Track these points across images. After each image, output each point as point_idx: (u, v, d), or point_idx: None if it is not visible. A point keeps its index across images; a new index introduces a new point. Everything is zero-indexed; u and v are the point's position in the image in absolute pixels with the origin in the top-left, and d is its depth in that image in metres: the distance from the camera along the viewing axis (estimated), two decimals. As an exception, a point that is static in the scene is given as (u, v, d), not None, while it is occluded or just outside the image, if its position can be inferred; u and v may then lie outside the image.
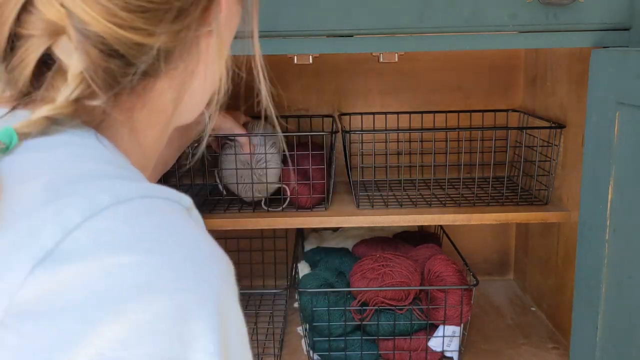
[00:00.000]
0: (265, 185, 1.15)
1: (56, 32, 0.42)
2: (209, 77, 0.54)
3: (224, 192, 1.21)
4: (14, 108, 0.44)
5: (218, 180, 1.21)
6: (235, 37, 0.58)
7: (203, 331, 0.35)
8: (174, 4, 0.45)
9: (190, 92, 0.53)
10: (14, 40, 0.42)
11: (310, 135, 1.18)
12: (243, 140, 1.12)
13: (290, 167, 1.15)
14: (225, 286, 0.39)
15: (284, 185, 1.16)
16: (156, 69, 0.46)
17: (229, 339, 0.37)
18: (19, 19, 0.41)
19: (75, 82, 0.42)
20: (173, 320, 0.34)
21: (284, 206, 1.16)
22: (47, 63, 0.43)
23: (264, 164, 1.13)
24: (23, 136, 0.41)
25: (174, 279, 0.35)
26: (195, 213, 0.44)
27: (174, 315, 0.34)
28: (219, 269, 0.40)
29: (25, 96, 0.44)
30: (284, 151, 1.18)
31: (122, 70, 0.44)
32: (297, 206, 1.16)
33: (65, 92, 0.42)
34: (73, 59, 0.42)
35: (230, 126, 1.10)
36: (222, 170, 1.18)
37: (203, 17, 0.49)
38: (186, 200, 0.44)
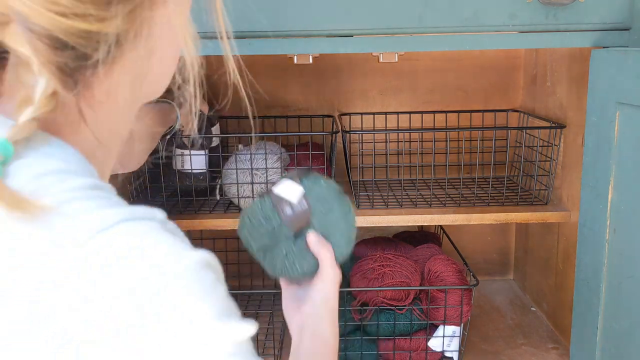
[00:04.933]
0: None
1: (3, 22, 0.37)
2: (169, 53, 0.49)
3: (218, 197, 1.21)
4: None
5: (218, 194, 1.21)
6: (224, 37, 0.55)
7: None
8: None
9: (150, 70, 0.48)
10: None
11: (311, 135, 1.18)
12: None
13: (296, 168, 1.15)
14: None
15: None
16: (113, 54, 0.42)
17: None
18: None
19: (44, 75, 0.39)
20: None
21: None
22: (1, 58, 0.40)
23: (265, 178, 1.13)
24: (15, 145, 0.39)
25: None
26: (170, 224, 0.44)
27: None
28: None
29: None
30: (286, 167, 1.18)
31: (78, 64, 0.40)
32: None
33: (40, 87, 0.39)
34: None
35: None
36: (224, 185, 1.18)
37: None
38: (159, 214, 0.43)
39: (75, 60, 0.39)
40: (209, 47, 0.60)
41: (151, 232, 0.40)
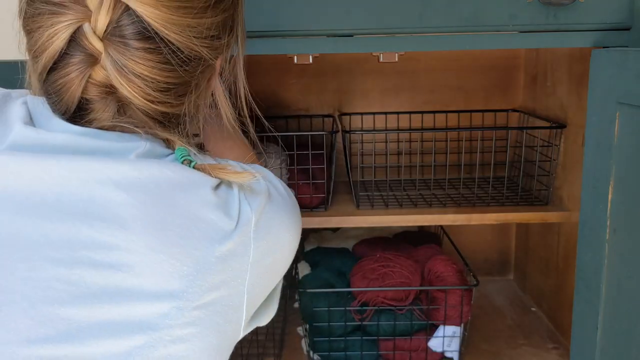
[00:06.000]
0: None
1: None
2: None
3: None
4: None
5: None
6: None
7: None
8: (191, 82, 0.58)
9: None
10: (85, 102, 0.56)
11: (310, 135, 1.18)
12: None
13: (295, 168, 1.15)
14: None
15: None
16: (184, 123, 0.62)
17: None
18: (85, 89, 0.55)
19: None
20: None
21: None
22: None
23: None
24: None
25: None
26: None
27: None
28: None
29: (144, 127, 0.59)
30: (287, 166, 1.18)
31: (167, 130, 0.60)
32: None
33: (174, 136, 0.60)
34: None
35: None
36: None
37: (209, 83, 0.64)
38: None
39: (163, 130, 0.59)
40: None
41: None
